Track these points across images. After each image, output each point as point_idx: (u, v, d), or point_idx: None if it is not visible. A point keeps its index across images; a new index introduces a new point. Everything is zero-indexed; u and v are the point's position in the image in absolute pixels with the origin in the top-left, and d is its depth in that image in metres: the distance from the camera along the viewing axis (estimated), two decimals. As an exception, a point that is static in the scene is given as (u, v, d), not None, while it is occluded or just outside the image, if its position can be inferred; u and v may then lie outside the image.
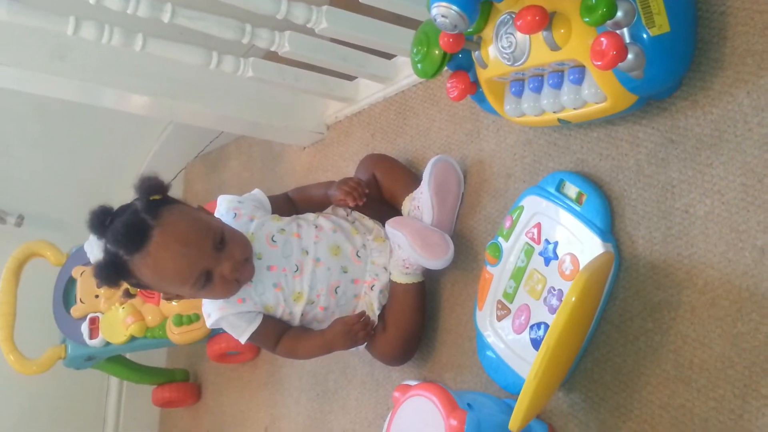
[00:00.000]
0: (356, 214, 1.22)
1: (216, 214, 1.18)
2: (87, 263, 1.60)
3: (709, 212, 0.82)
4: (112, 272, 1.06)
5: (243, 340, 1.15)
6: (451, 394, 0.94)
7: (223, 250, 1.08)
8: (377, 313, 1.16)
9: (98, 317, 1.54)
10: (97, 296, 1.56)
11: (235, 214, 1.17)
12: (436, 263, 1.11)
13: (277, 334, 1.16)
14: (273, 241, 1.15)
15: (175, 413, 1.83)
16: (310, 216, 1.21)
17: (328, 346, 1.15)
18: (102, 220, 1.07)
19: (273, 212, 1.20)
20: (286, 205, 1.23)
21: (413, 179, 1.22)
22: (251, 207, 1.19)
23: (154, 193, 1.08)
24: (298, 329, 1.16)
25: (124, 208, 1.08)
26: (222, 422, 1.65)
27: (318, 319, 1.17)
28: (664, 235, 0.86)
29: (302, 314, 1.16)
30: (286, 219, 1.19)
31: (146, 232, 1.03)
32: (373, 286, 1.16)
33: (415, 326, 1.16)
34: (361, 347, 1.18)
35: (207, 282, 1.08)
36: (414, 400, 0.95)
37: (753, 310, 0.76)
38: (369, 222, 1.21)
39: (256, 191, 1.23)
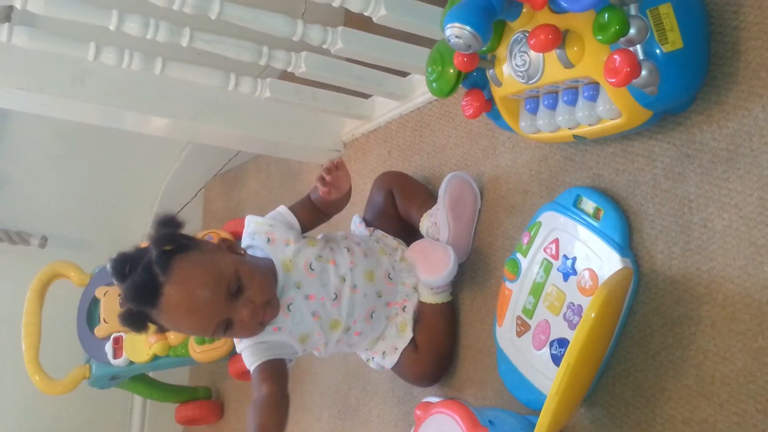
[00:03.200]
0: (378, 233, 1.23)
1: (244, 235, 1.16)
2: (110, 283, 1.62)
3: (727, 226, 0.82)
4: (135, 322, 1.04)
5: (252, 367, 1.10)
6: (473, 411, 0.95)
7: (241, 296, 1.04)
8: (411, 334, 1.16)
9: (122, 337, 1.56)
10: (120, 316, 1.57)
11: (269, 239, 1.13)
12: (436, 279, 1.13)
13: (267, 383, 1.08)
14: (311, 269, 1.12)
15: (199, 431, 1.84)
16: (339, 238, 1.19)
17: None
18: (121, 270, 1.03)
19: (302, 231, 1.17)
20: (312, 212, 1.19)
21: (429, 196, 1.23)
22: (283, 229, 1.15)
23: (166, 243, 1.04)
24: (277, 404, 1.07)
25: (140, 256, 1.04)
26: (245, 439, 1.66)
27: (351, 343, 1.17)
28: (682, 249, 0.86)
29: (337, 341, 1.14)
30: (320, 243, 1.16)
31: (156, 290, 1.00)
32: (405, 307, 1.16)
33: (448, 345, 1.16)
34: (387, 368, 1.19)
35: (228, 329, 1.06)
36: (436, 418, 0.96)
37: (774, 325, 0.76)
38: (392, 241, 1.22)
39: (282, 209, 1.18)
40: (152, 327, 1.52)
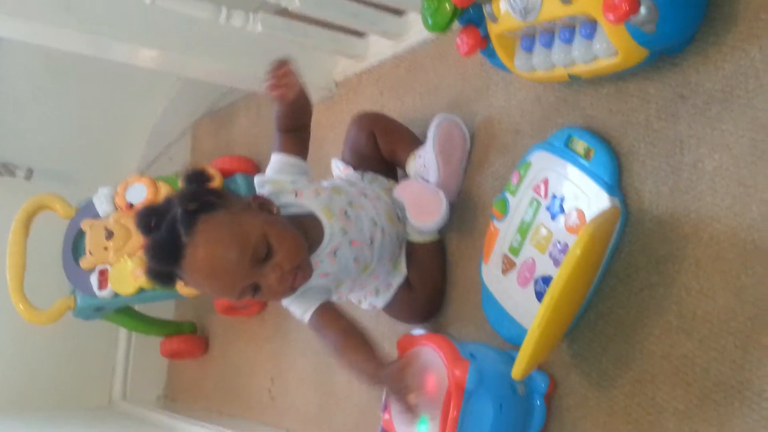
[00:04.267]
0: (370, 174, 1.23)
1: (267, 196, 1.09)
2: (96, 216, 1.61)
3: (717, 167, 0.83)
4: (161, 278, 1.00)
5: (306, 317, 1.07)
6: (455, 345, 0.96)
7: (269, 260, 0.98)
8: (405, 270, 1.17)
9: (107, 269, 1.56)
10: (106, 248, 1.57)
11: (296, 193, 1.10)
12: (428, 225, 1.13)
13: (338, 321, 1.06)
14: (347, 215, 1.10)
15: (183, 365, 1.86)
16: (347, 183, 1.18)
17: (372, 378, 1.00)
18: (147, 223, 0.99)
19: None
20: (296, 138, 1.14)
21: (413, 136, 1.23)
22: (303, 179, 1.12)
23: (191, 201, 0.98)
24: (358, 335, 1.04)
25: (167, 209, 0.99)
26: (229, 374, 1.68)
27: (363, 285, 1.17)
28: (671, 189, 0.87)
29: (360, 285, 1.15)
30: (345, 190, 1.14)
31: (178, 251, 0.96)
32: (401, 244, 1.17)
33: (440, 282, 1.17)
34: (379, 308, 1.20)
35: (256, 292, 1.01)
36: (417, 350, 0.97)
37: (757, 263, 0.77)
38: (385, 181, 1.23)
39: (282, 157, 1.13)
40: (140, 260, 1.54)
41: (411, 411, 0.92)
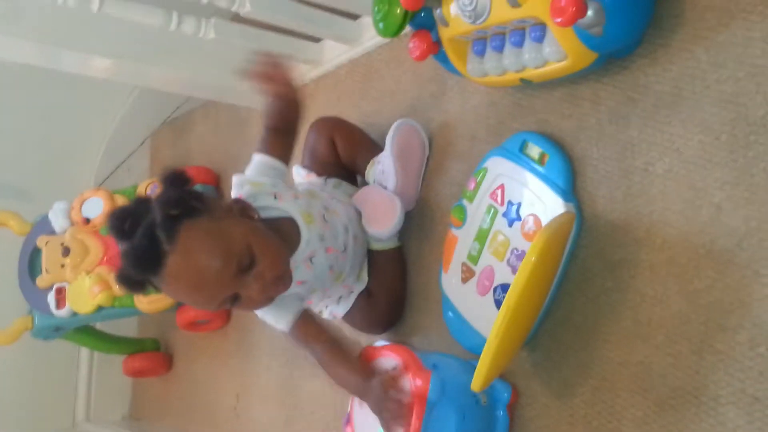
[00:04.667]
0: (333, 180, 1.21)
1: (243, 198, 1.05)
2: (52, 232, 1.58)
3: (668, 170, 0.82)
4: (134, 286, 0.95)
5: (287, 327, 1.04)
6: (417, 356, 0.95)
7: (251, 270, 0.94)
8: (367, 278, 1.15)
9: (65, 287, 1.53)
10: (63, 266, 1.54)
11: (275, 196, 1.06)
12: (382, 232, 1.11)
13: (318, 331, 1.04)
14: (325, 220, 1.07)
15: (147, 382, 1.83)
16: (318, 188, 1.15)
17: (357, 390, 0.99)
18: (120, 227, 0.93)
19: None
20: (282, 142, 1.11)
21: (373, 142, 1.22)
22: (281, 182, 1.08)
23: (173, 206, 0.92)
24: (340, 345, 1.03)
25: (141, 212, 0.93)
26: (194, 390, 1.65)
27: (330, 295, 1.15)
28: (624, 194, 0.86)
29: (329, 294, 1.13)
30: (319, 195, 1.12)
31: (159, 259, 0.90)
32: None
33: (401, 290, 1.16)
34: (339, 316, 1.18)
35: (235, 302, 0.97)
36: (381, 361, 0.96)
37: (709, 267, 0.77)
38: (349, 187, 1.21)
39: (263, 158, 1.09)
40: (98, 277, 1.50)
41: (400, 419, 0.90)
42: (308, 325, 1.05)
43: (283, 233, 1.03)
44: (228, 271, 0.93)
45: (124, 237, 0.93)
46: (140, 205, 0.94)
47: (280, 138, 1.11)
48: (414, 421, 0.89)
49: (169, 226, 0.91)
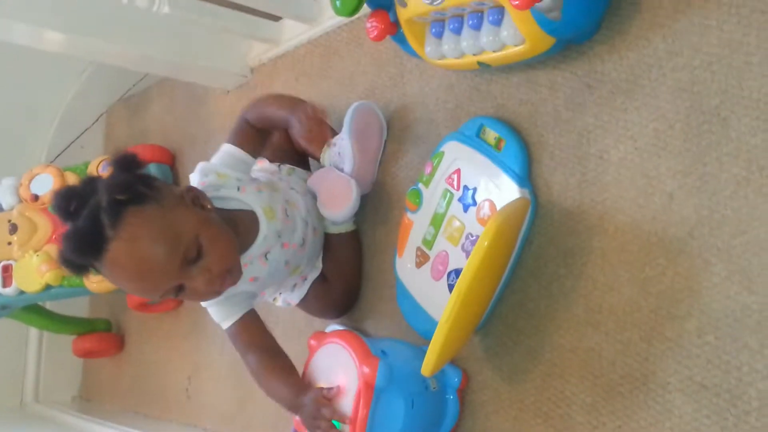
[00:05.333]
0: (286, 166, 1.18)
1: (203, 186, 1.02)
2: (-1, 210, 1.54)
3: (622, 158, 0.82)
4: (76, 269, 0.91)
5: (226, 326, 1.03)
6: (365, 342, 0.94)
7: (198, 262, 0.91)
8: (321, 264, 1.14)
9: (11, 265, 1.48)
10: (9, 243, 1.50)
11: (238, 188, 1.04)
12: (337, 215, 1.10)
13: (258, 338, 1.03)
14: (287, 215, 1.05)
15: (98, 363, 1.79)
16: (273, 178, 1.13)
17: (289, 405, 0.99)
18: (66, 207, 0.89)
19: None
20: (257, 139, 1.10)
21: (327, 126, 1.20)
22: (247, 176, 1.06)
23: (120, 191, 0.89)
24: (278, 356, 1.03)
25: (89, 192, 0.90)
26: (145, 372, 1.63)
27: (284, 284, 1.14)
28: (579, 181, 0.86)
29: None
30: (279, 187, 1.09)
31: (101, 245, 0.87)
32: None
33: (356, 275, 1.14)
34: (294, 303, 1.16)
35: (179, 292, 0.94)
36: (329, 348, 0.95)
37: (660, 255, 0.77)
38: (303, 173, 1.19)
39: (233, 149, 1.06)
40: (46, 255, 1.47)
41: None
42: (248, 331, 1.03)
43: (240, 227, 1.01)
44: (172, 262, 0.90)
45: (69, 218, 0.89)
46: (88, 185, 0.91)
47: (257, 135, 1.10)
48: (361, 409, 0.88)
49: (114, 211, 0.88)
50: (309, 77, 1.33)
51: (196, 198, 0.97)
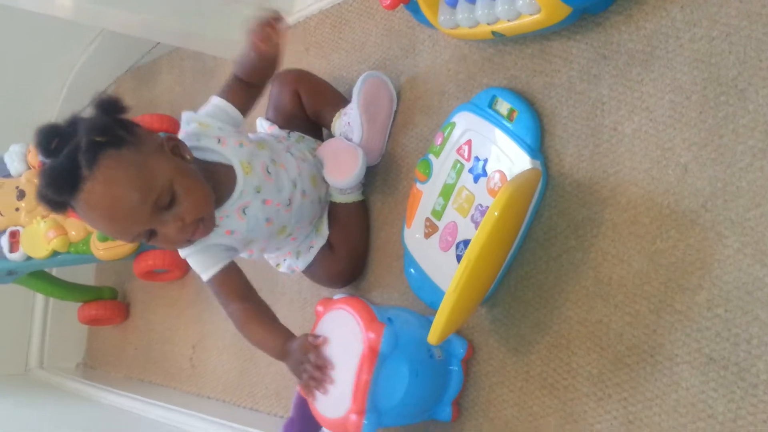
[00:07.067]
0: (296, 134, 1.18)
1: (185, 135, 1.03)
2: (7, 175, 1.53)
3: (636, 130, 0.81)
4: (52, 206, 0.93)
5: (207, 277, 1.03)
6: (372, 308, 0.93)
7: (171, 209, 0.93)
8: (327, 232, 1.14)
9: (19, 231, 1.48)
10: (17, 209, 1.49)
11: (219, 139, 1.04)
12: (342, 182, 1.10)
13: (241, 290, 1.03)
14: (268, 172, 1.05)
15: (103, 331, 1.80)
16: (274, 140, 1.13)
17: (277, 352, 0.99)
18: (47, 144, 0.90)
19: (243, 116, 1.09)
20: (245, 93, 1.09)
21: (339, 96, 1.19)
22: (232, 129, 1.06)
23: (99, 133, 0.90)
24: (261, 306, 1.03)
25: (71, 133, 0.90)
26: (150, 340, 1.63)
27: (280, 247, 1.13)
28: (591, 152, 0.85)
29: (276, 247, 1.11)
30: (268, 145, 1.09)
31: (75, 184, 0.89)
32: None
33: (363, 244, 1.15)
34: (299, 270, 1.16)
35: (151, 237, 0.95)
36: (335, 313, 0.94)
37: (672, 228, 0.76)
38: (311, 141, 1.18)
39: (219, 101, 1.07)
40: (53, 221, 1.47)
41: (309, 386, 0.92)
42: (230, 282, 1.03)
43: (217, 179, 1.02)
44: (144, 206, 0.92)
45: (49, 155, 0.91)
46: (71, 125, 0.92)
47: (245, 89, 1.09)
48: (364, 374, 0.88)
49: (92, 153, 0.89)
50: (320, 48, 1.32)
51: (176, 147, 0.98)
